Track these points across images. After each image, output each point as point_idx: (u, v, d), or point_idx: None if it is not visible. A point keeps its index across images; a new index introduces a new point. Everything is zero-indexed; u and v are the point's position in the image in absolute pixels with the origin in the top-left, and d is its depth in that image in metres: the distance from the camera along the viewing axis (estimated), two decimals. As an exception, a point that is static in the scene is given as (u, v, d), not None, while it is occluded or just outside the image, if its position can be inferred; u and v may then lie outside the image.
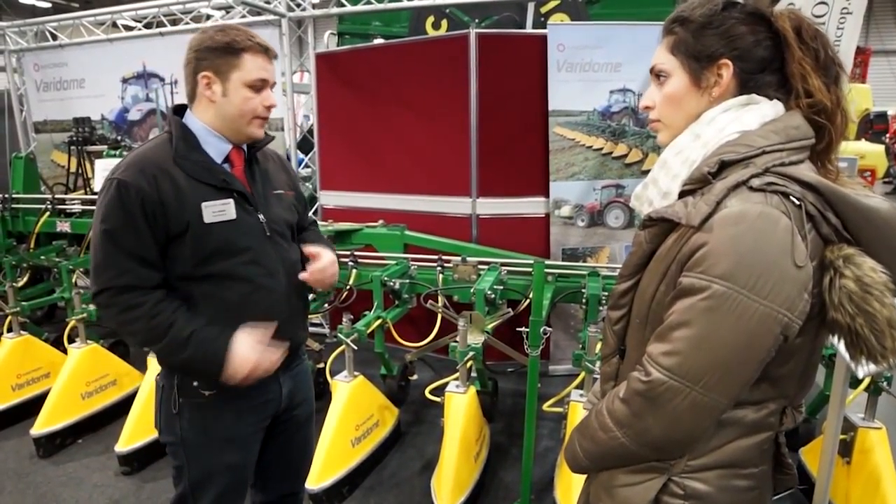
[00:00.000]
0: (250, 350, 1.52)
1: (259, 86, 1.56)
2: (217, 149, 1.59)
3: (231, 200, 1.56)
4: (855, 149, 10.75)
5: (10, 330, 3.64)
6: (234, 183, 1.58)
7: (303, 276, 1.69)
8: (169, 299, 1.53)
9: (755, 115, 1.00)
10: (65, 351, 3.59)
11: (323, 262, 1.72)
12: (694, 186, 1.00)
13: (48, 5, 15.68)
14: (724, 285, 0.89)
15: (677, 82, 1.07)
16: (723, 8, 1.03)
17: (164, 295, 1.52)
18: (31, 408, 3.40)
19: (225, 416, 1.65)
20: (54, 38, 5.73)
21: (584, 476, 1.25)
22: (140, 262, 1.48)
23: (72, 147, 5.41)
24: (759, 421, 1.02)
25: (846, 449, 2.50)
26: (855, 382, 2.51)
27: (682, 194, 1.02)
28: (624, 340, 1.14)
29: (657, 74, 1.10)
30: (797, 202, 0.92)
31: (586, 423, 1.14)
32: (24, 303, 3.63)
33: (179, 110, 1.63)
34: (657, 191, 1.08)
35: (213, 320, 1.55)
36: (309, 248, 1.72)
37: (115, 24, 5.58)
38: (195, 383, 1.60)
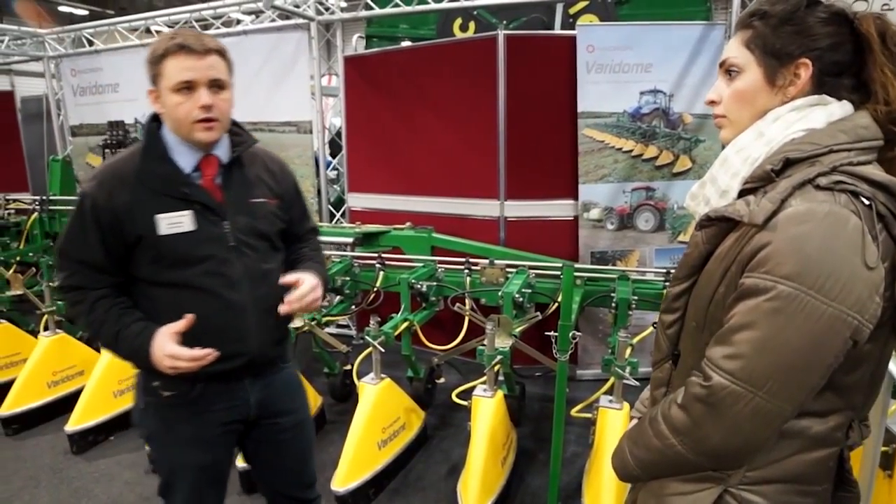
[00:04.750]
0: (164, 343, 1.49)
1: (186, 87, 1.48)
2: (187, 158, 1.57)
3: (189, 212, 1.54)
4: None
5: (46, 328, 3.72)
6: (195, 194, 1.55)
7: (282, 308, 1.59)
8: (108, 298, 1.56)
9: (822, 114, 0.96)
10: (98, 349, 3.66)
11: (301, 290, 1.60)
12: (756, 184, 0.97)
13: (86, 13, 16.07)
14: (791, 286, 0.85)
15: (750, 78, 1.02)
16: (807, 5, 0.98)
17: (105, 293, 1.56)
18: (67, 405, 3.47)
19: (185, 418, 1.65)
20: (91, 43, 5.87)
21: (615, 483, 1.22)
22: (87, 267, 1.54)
23: (106, 150, 5.55)
24: (824, 434, 0.98)
25: (888, 462, 2.40)
26: (897, 392, 2.42)
27: (742, 193, 0.98)
28: (677, 345, 1.10)
29: (728, 69, 1.06)
30: (867, 201, 0.88)
31: (639, 430, 1.10)
32: (59, 302, 3.71)
33: (158, 118, 1.60)
34: (715, 189, 1.04)
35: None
36: (288, 277, 1.61)
37: (148, 30, 5.69)
38: (155, 383, 1.61)
